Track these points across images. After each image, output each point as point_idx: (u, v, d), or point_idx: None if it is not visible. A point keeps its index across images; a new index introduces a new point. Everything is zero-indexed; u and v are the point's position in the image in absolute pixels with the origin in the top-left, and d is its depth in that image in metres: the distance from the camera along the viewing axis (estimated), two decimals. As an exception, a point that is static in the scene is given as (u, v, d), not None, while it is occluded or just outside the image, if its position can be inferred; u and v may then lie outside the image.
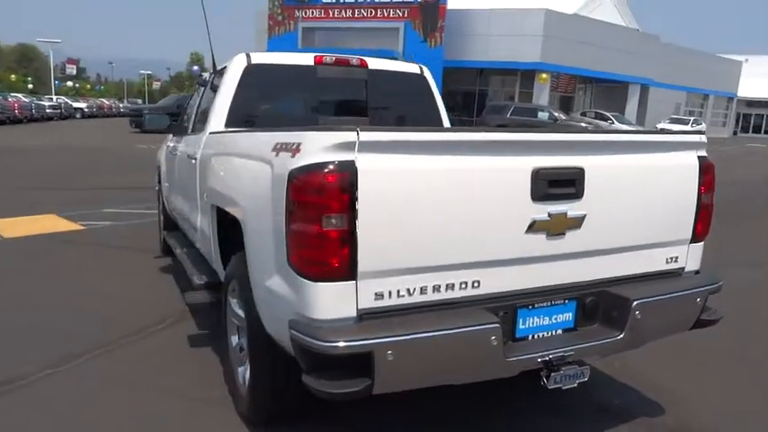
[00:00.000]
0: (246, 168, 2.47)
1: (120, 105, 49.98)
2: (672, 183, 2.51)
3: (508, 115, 23.88)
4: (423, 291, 2.06)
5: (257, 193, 2.29)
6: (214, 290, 3.70)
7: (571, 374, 2.19)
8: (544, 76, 28.88)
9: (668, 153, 2.49)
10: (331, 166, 1.89)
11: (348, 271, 1.93)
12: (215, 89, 4.09)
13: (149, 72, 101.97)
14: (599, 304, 2.39)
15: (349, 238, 1.91)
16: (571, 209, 2.24)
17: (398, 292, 2.02)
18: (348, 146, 1.89)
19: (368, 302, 1.98)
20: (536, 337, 2.31)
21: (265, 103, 4.03)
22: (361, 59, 4.24)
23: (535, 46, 27.97)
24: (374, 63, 4.27)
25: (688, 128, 30.14)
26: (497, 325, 2.05)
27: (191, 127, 4.65)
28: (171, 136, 5.82)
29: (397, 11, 27.75)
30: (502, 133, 2.13)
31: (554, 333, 2.33)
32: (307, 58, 4.07)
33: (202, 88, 4.67)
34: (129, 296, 4.81)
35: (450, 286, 2.11)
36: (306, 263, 1.95)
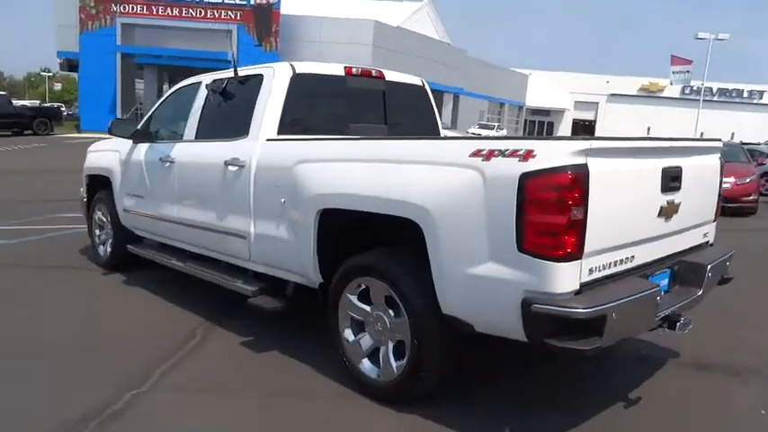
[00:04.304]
0: (426, 173, 2.76)
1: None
2: (710, 177, 3.39)
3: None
4: (607, 266, 2.63)
5: (455, 194, 2.63)
6: (277, 293, 3.83)
7: (686, 323, 2.91)
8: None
9: (710, 155, 3.37)
10: (571, 168, 2.36)
11: (579, 252, 2.42)
12: (248, 97, 4.12)
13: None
14: (680, 270, 3.17)
15: (582, 226, 2.40)
16: (676, 198, 2.98)
17: (598, 267, 2.57)
18: (582, 152, 2.38)
19: (585, 277, 2.48)
20: (657, 298, 2.99)
21: (306, 110, 4.17)
22: (380, 71, 4.59)
23: (365, 55, 29.42)
24: (389, 75, 4.64)
25: (494, 133, 34.23)
26: (658, 288, 2.70)
27: (194, 134, 4.53)
28: (118, 145, 5.46)
29: (229, 12, 27.17)
30: (655, 141, 2.80)
31: (662, 294, 3.04)
32: (337, 69, 4.30)
33: (203, 95, 4.56)
34: (132, 318, 4.53)
35: (620, 261, 2.70)
36: (548, 248, 2.39)
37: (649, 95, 54.33)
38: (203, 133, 4.50)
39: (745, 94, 53.17)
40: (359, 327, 3.29)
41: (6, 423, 2.92)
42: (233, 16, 27.13)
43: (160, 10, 27.30)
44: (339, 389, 3.31)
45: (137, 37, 27.62)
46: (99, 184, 5.91)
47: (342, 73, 4.30)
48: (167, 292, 5.00)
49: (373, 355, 3.21)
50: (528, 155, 2.43)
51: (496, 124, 39.28)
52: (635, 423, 3.01)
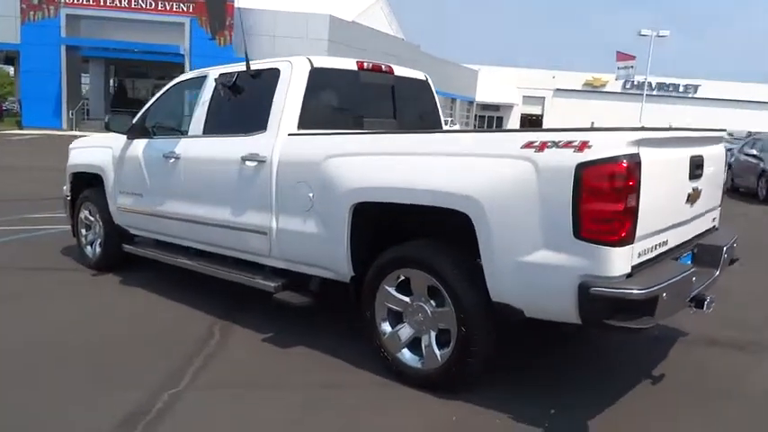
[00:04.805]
0: (476, 165, 2.84)
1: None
2: (719, 165, 3.61)
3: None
4: (650, 250, 2.79)
5: (506, 185, 2.72)
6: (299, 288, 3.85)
7: (711, 301, 3.10)
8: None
9: (718, 145, 3.60)
10: (626, 158, 2.49)
11: (632, 237, 2.56)
12: (262, 91, 4.09)
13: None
14: (699, 253, 3.38)
15: (635, 213, 2.54)
16: (699, 185, 3.18)
17: (644, 251, 2.72)
18: (636, 142, 2.52)
19: (635, 260, 2.63)
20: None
21: (323, 104, 4.17)
22: (389, 66, 4.63)
23: (321, 49, 29.21)
24: (398, 70, 4.69)
25: (448, 126, 34.63)
26: (694, 270, 2.89)
27: (201, 129, 4.46)
28: (109, 141, 5.30)
29: (182, 5, 26.45)
30: (684, 130, 2.97)
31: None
32: (350, 63, 4.32)
33: (209, 90, 4.49)
34: (143, 318, 4.44)
35: (658, 245, 2.87)
36: (605, 234, 2.51)
37: (593, 90, 56.17)
38: (212, 128, 4.43)
39: (681, 89, 55.67)
40: (396, 318, 3.35)
41: (56, 428, 2.85)
42: (185, 9, 26.44)
43: (108, 1, 26.29)
44: (376, 379, 3.35)
45: (82, 29, 26.54)
46: (85, 182, 5.73)
47: (354, 67, 4.33)
48: (169, 292, 4.90)
49: (413, 344, 3.28)
50: (583, 145, 2.54)
51: (449, 119, 39.77)
52: (665, 398, 3.20)
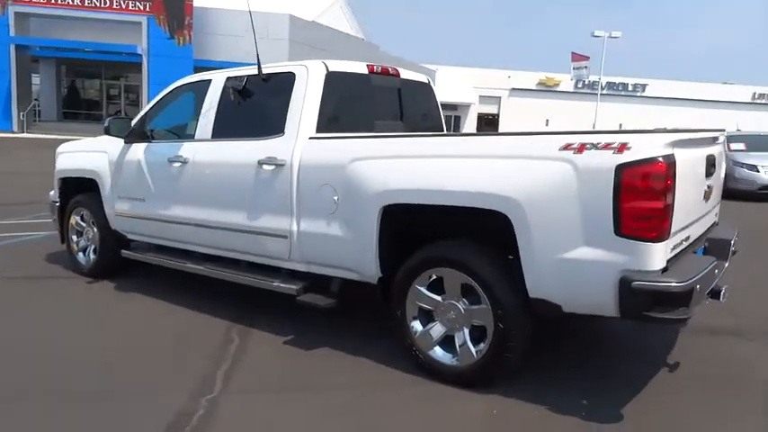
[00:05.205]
0: (514, 167, 2.94)
1: None
2: (722, 163, 3.84)
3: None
4: (678, 245, 2.96)
5: (546, 185, 2.83)
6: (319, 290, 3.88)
7: (726, 292, 3.30)
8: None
9: (721, 144, 3.82)
10: (664, 158, 2.64)
11: (668, 233, 2.72)
12: (277, 95, 4.11)
13: None
14: (710, 246, 3.58)
15: (671, 210, 2.69)
16: (711, 182, 3.37)
17: (675, 246, 2.88)
18: (671, 144, 2.67)
19: (668, 255, 2.78)
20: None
21: (338, 108, 4.20)
22: (396, 69, 4.70)
23: (282, 49, 28.95)
24: (403, 73, 4.76)
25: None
26: (716, 262, 3.07)
27: (210, 133, 4.42)
28: (104, 145, 5.20)
29: (138, 4, 25.70)
30: (704, 132, 3.16)
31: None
32: (361, 67, 4.37)
33: (216, 93, 4.46)
34: (156, 325, 4.40)
35: (683, 241, 3.04)
36: (645, 230, 2.66)
37: (547, 90, 57.55)
38: (221, 132, 4.40)
39: (630, 88, 57.65)
40: (426, 316, 3.42)
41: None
42: (142, 7, 25.71)
43: (59, -1, 25.38)
44: (407, 377, 3.41)
45: (32, 27, 25.51)
46: (75, 187, 5.59)
47: (365, 71, 4.38)
48: (172, 297, 4.84)
49: (444, 342, 3.36)
50: (623, 147, 2.68)
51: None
52: (684, 385, 3.38)
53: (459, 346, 3.27)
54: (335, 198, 3.64)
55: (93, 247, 5.46)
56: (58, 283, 5.30)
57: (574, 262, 2.81)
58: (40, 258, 6.05)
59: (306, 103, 3.91)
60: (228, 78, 4.43)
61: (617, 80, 56.90)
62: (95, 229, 5.38)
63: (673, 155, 2.68)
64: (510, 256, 3.12)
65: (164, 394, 3.19)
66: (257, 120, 4.28)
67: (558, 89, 56.10)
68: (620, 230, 2.69)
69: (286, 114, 3.96)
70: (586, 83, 49.72)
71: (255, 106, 4.30)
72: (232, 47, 28.20)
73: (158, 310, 4.65)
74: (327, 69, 4.02)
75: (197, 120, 4.59)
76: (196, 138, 4.53)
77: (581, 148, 2.77)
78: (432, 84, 5.14)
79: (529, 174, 2.90)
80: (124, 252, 5.12)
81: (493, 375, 3.20)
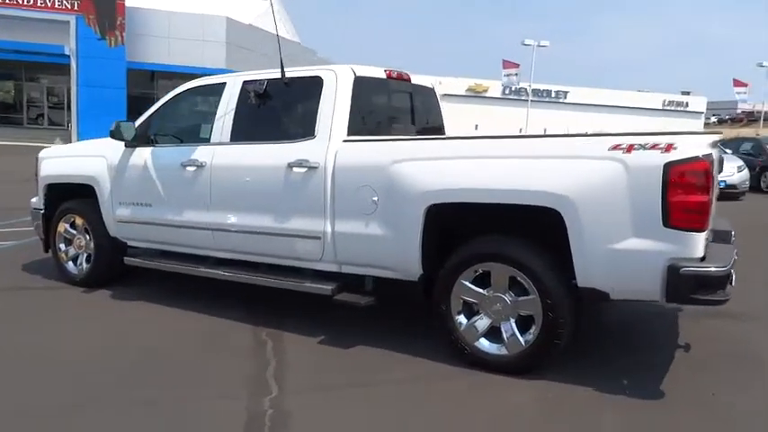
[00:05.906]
0: (565, 166, 3.18)
1: None
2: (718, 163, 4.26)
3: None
4: (708, 237, 3.29)
5: (596, 183, 3.08)
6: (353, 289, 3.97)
7: (734, 277, 3.68)
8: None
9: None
10: (704, 157, 2.96)
11: (708, 224, 3.04)
12: (303, 99, 4.18)
13: None
14: (715, 236, 3.96)
15: (711, 203, 3.02)
16: (717, 179, 3.75)
17: (707, 237, 3.21)
18: (711, 144, 3.00)
19: (704, 243, 3.10)
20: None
21: (364, 110, 4.30)
22: (408, 74, 4.85)
23: (219, 52, 28.39)
24: (413, 78, 4.93)
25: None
26: (736, 249, 3.44)
27: (228, 137, 4.40)
28: (100, 149, 5.04)
29: (65, 2, 24.41)
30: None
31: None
32: (380, 72, 4.49)
33: (233, 97, 4.45)
34: (181, 332, 4.34)
35: (709, 231, 3.38)
36: (691, 222, 2.96)
37: (475, 95, 59.34)
38: (241, 135, 4.39)
39: (553, 94, 60.46)
40: (470, 310, 3.60)
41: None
42: (69, 6, 24.44)
43: (-25, -5, 23.70)
44: (454, 369, 3.56)
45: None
46: (65, 194, 5.37)
47: (384, 76, 4.51)
48: (180, 303, 4.77)
49: (490, 333, 3.55)
50: (669, 147, 2.97)
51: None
52: (707, 364, 3.74)
53: (508, 336, 3.46)
54: (375, 199, 3.74)
55: (85, 255, 5.26)
56: (55, 293, 5.09)
57: (623, 252, 3.07)
58: (17, 269, 5.75)
59: (337, 106, 3.99)
60: (246, 82, 4.43)
61: (541, 87, 59.56)
62: (89, 237, 5.19)
63: (711, 154, 3.01)
64: (555, 249, 3.34)
65: (222, 397, 3.20)
66: (283, 123, 4.33)
67: (487, 95, 58.04)
68: (668, 222, 2.97)
69: (315, 118, 4.02)
70: (513, 89, 51.71)
71: (279, 110, 4.34)
72: (167, 49, 27.42)
73: (170, 315, 4.57)
74: (355, 74, 4.12)
75: (211, 123, 4.55)
76: (212, 141, 4.49)
77: (630, 148, 3.04)
78: (435, 89, 5.33)
79: (579, 172, 3.14)
80: (127, 259, 4.98)
81: (542, 362, 3.42)
